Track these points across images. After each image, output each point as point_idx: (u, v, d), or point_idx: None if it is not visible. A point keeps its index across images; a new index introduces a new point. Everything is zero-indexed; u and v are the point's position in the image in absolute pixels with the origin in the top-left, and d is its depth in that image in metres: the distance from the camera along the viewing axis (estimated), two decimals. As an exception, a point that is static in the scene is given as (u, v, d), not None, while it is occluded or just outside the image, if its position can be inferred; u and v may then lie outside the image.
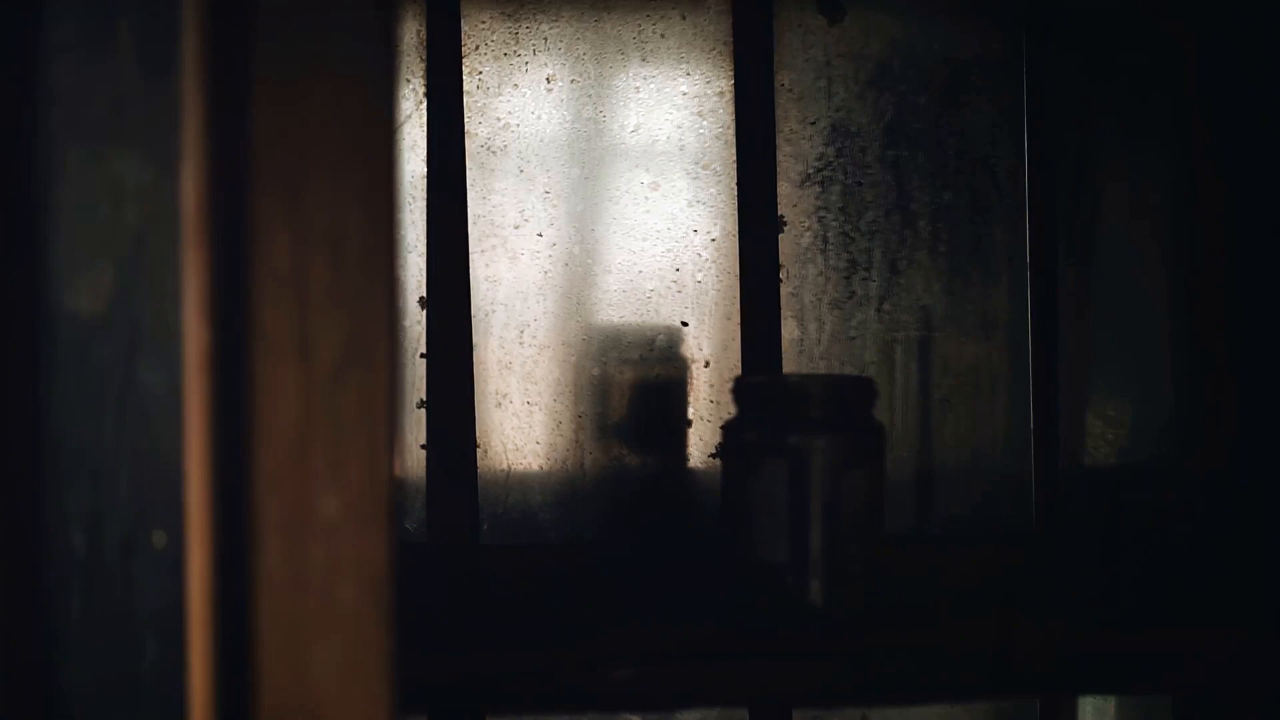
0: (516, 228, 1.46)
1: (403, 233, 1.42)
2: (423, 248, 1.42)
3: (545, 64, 1.47)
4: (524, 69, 1.47)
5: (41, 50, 0.89)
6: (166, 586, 0.85)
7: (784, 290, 1.50)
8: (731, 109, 1.49)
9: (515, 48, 1.46)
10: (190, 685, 0.83)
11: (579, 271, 1.47)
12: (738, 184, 1.49)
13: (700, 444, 1.48)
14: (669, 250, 1.49)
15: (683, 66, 1.49)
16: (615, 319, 1.48)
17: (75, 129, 0.88)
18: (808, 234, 1.52)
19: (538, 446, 1.47)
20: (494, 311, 1.46)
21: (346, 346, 0.82)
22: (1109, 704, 1.62)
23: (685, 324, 1.49)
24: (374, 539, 0.83)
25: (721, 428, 1.44)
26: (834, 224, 1.52)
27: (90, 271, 0.87)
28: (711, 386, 1.49)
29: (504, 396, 1.46)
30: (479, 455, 1.44)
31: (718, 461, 1.46)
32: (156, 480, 0.85)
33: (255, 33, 0.82)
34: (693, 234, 1.49)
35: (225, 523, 0.83)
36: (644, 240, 1.48)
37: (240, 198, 0.82)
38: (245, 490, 0.83)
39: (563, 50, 1.47)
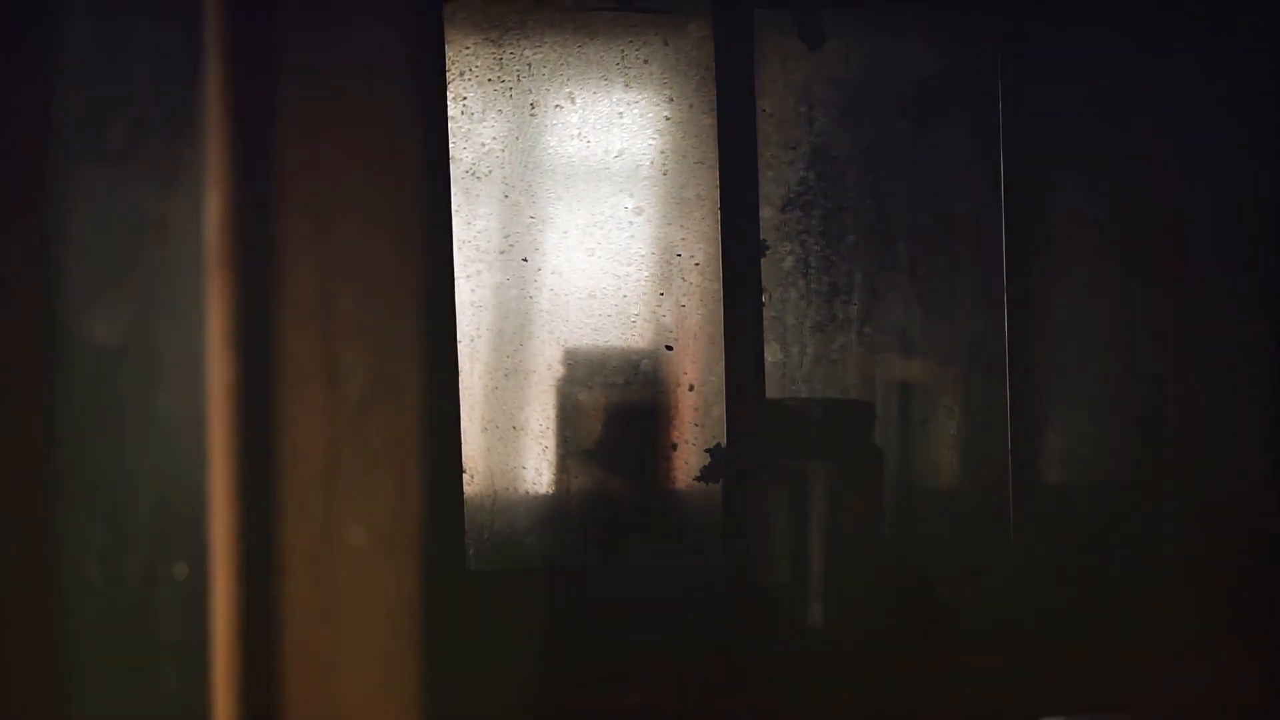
0: (501, 253, 1.46)
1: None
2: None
3: (529, 89, 1.47)
4: (508, 94, 1.47)
5: (56, 72, 0.88)
6: (188, 618, 0.84)
7: (766, 314, 1.51)
8: (714, 134, 1.49)
9: (499, 73, 1.47)
10: (213, 716, 0.83)
11: (564, 296, 1.47)
12: (720, 208, 1.49)
13: (685, 467, 1.49)
14: (653, 274, 1.49)
15: (665, 92, 1.50)
16: (600, 343, 1.48)
17: (92, 155, 0.87)
18: (789, 258, 1.52)
19: (523, 471, 1.46)
20: (479, 336, 1.46)
21: (375, 375, 0.82)
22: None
23: (669, 348, 1.49)
24: (403, 568, 0.82)
25: (709, 450, 1.44)
26: (815, 248, 1.53)
27: (109, 300, 0.86)
28: (696, 410, 1.49)
29: (490, 422, 1.45)
30: (465, 480, 1.44)
31: (703, 484, 1.46)
32: (178, 511, 0.84)
33: (281, 62, 0.81)
34: (676, 258, 1.50)
35: (250, 551, 0.83)
36: (628, 265, 1.49)
37: (265, 225, 0.82)
38: (270, 519, 0.82)
39: (546, 76, 1.47)
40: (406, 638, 0.83)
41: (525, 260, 1.47)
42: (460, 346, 1.44)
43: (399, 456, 0.83)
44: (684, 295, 1.50)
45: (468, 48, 1.46)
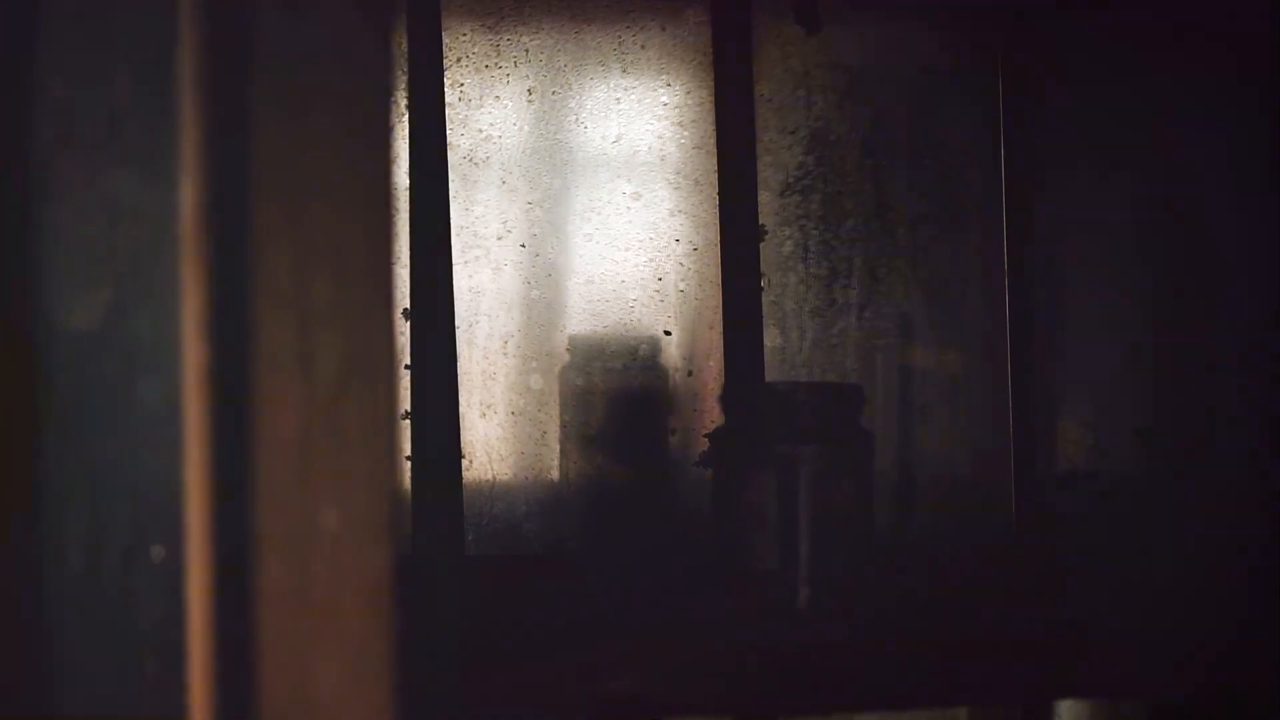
0: (499, 239, 1.47)
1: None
2: (406, 259, 1.42)
3: (526, 76, 1.47)
4: (505, 81, 1.47)
5: (38, 65, 0.89)
6: (165, 601, 0.85)
7: (765, 299, 1.51)
8: (712, 119, 1.50)
9: (496, 59, 1.47)
10: (190, 701, 0.83)
11: (562, 282, 1.48)
12: (719, 193, 1.50)
13: (683, 452, 1.49)
14: (651, 260, 1.50)
15: (663, 77, 1.50)
16: (599, 329, 1.48)
17: (71, 145, 0.88)
18: (789, 242, 1.53)
19: (522, 457, 1.47)
20: (478, 322, 1.46)
21: (348, 361, 0.82)
22: (1084, 707, 1.64)
23: (668, 333, 1.50)
24: (377, 552, 0.83)
25: (707, 436, 1.45)
26: (814, 232, 1.53)
27: (87, 288, 0.87)
28: (694, 395, 1.50)
29: (488, 407, 1.46)
30: (464, 466, 1.44)
31: (701, 470, 1.46)
32: (155, 495, 0.85)
33: (255, 52, 0.82)
34: (674, 243, 1.50)
35: (225, 536, 0.83)
36: (626, 250, 1.49)
37: (239, 213, 0.82)
38: (245, 504, 0.83)
39: (544, 62, 1.48)
40: (384, 623, 0.83)
41: (523, 246, 1.47)
42: (458, 332, 1.44)
43: (374, 442, 0.84)
44: (682, 280, 1.50)
45: (464, 34, 1.46)
